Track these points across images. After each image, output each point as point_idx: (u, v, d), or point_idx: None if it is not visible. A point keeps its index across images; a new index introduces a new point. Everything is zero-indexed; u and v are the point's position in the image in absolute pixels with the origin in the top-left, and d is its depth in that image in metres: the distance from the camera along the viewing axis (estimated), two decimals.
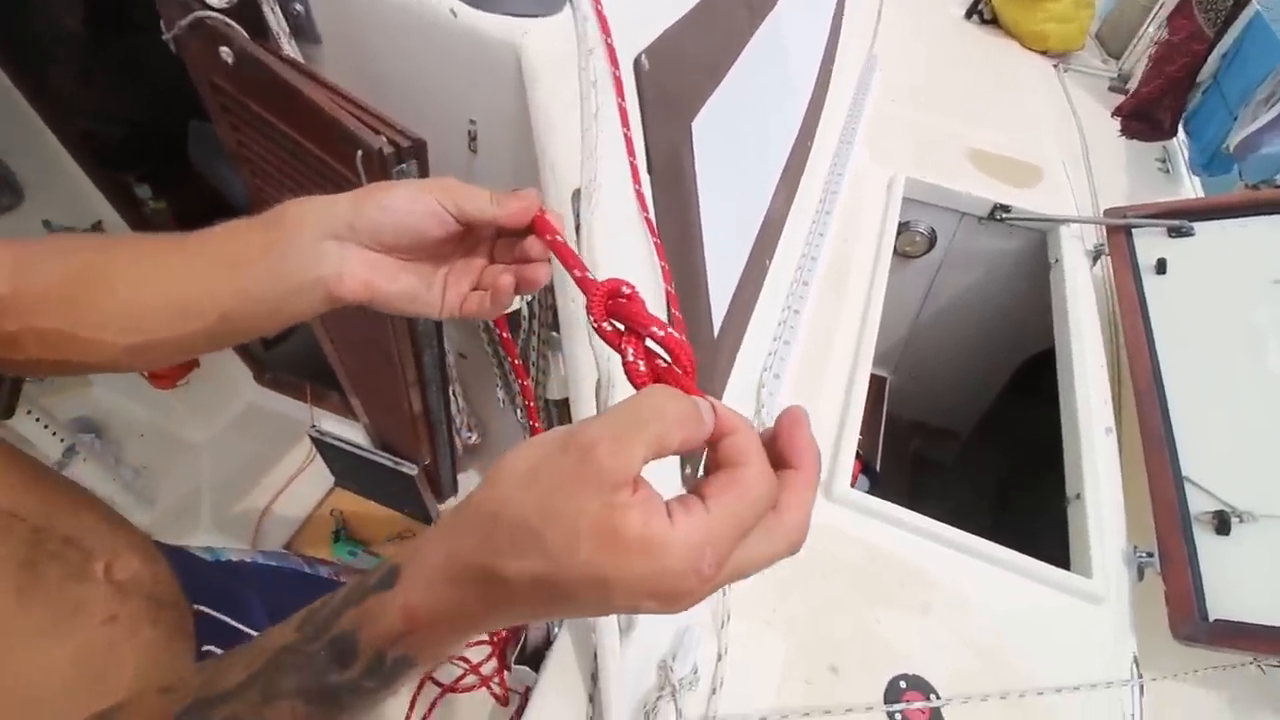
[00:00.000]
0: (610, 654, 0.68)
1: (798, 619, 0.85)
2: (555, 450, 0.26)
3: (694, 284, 0.81)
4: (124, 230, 1.40)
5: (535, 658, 0.85)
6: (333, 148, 0.57)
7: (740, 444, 0.28)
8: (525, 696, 0.78)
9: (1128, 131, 1.89)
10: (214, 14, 0.57)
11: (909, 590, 0.89)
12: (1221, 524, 0.89)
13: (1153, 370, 1.10)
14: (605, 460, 0.25)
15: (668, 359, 0.32)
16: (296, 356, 1.61)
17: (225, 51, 0.60)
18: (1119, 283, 1.25)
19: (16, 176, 1.24)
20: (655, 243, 0.65)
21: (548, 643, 0.82)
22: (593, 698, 0.75)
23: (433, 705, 1.13)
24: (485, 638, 1.13)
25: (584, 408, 0.63)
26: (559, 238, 0.40)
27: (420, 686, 1.11)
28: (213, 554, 0.76)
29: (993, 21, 2.32)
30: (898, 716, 0.77)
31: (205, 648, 0.58)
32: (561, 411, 0.85)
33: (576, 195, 0.58)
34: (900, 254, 1.62)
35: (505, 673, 1.11)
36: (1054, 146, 1.74)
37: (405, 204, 0.40)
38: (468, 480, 1.44)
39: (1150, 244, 1.29)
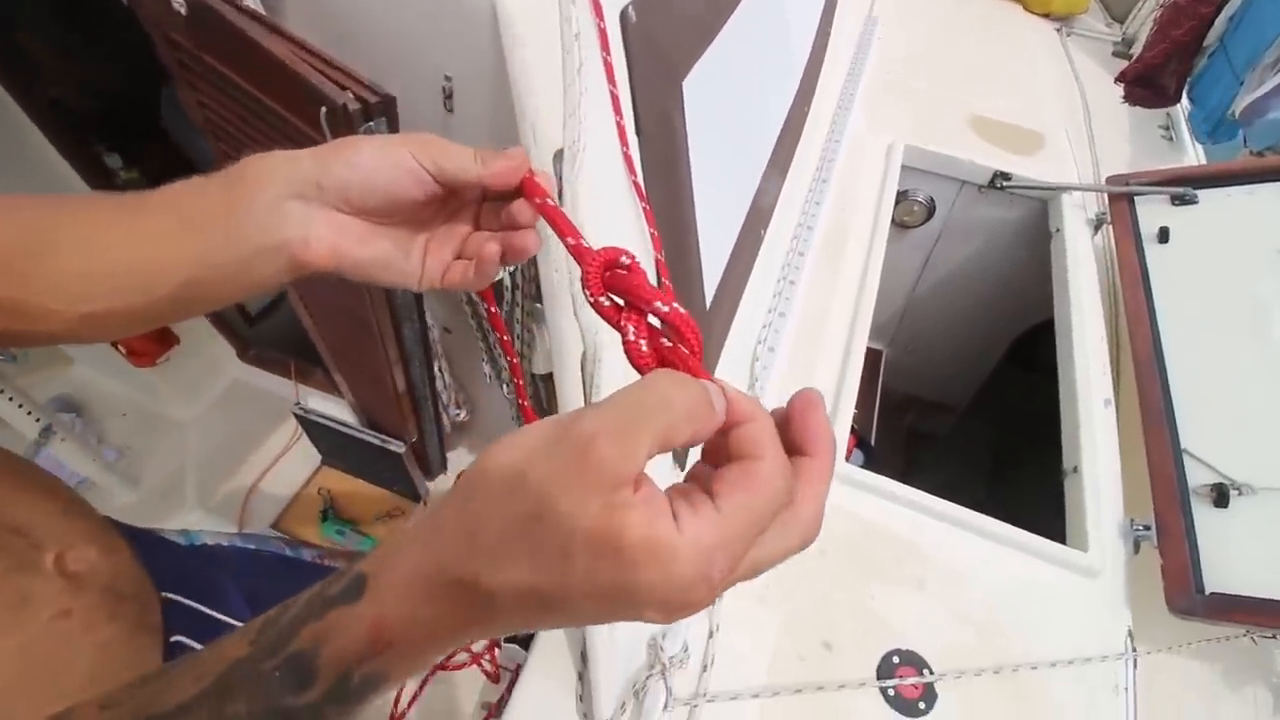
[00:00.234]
0: (599, 632, 0.67)
1: (791, 595, 0.83)
2: (548, 445, 0.23)
3: (685, 253, 0.78)
4: None
5: (526, 636, 0.83)
6: (296, 105, 0.53)
7: (754, 434, 0.25)
8: (516, 674, 0.77)
9: (1131, 98, 1.84)
10: None
11: (903, 565, 0.87)
12: (1220, 497, 0.88)
13: (1153, 341, 1.08)
14: (605, 456, 0.22)
15: (671, 339, 0.29)
16: (280, 332, 1.57)
17: (178, 2, 0.56)
18: (1120, 252, 1.22)
19: None
20: (644, 208, 0.61)
21: None
22: (582, 676, 0.73)
23: (424, 683, 1.12)
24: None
25: (569, 383, 0.60)
26: (550, 201, 0.37)
27: None
28: (187, 538, 0.74)
29: None
30: (891, 692, 0.76)
31: (174, 639, 0.56)
32: (548, 387, 0.82)
33: (559, 157, 0.54)
34: (898, 224, 1.58)
35: (496, 650, 1.11)
36: (1056, 113, 1.70)
37: (375, 160, 0.36)
38: (457, 458, 1.42)
39: (1153, 212, 1.26)
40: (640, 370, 0.28)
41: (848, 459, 0.97)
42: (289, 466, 1.47)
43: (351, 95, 0.51)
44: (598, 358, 0.56)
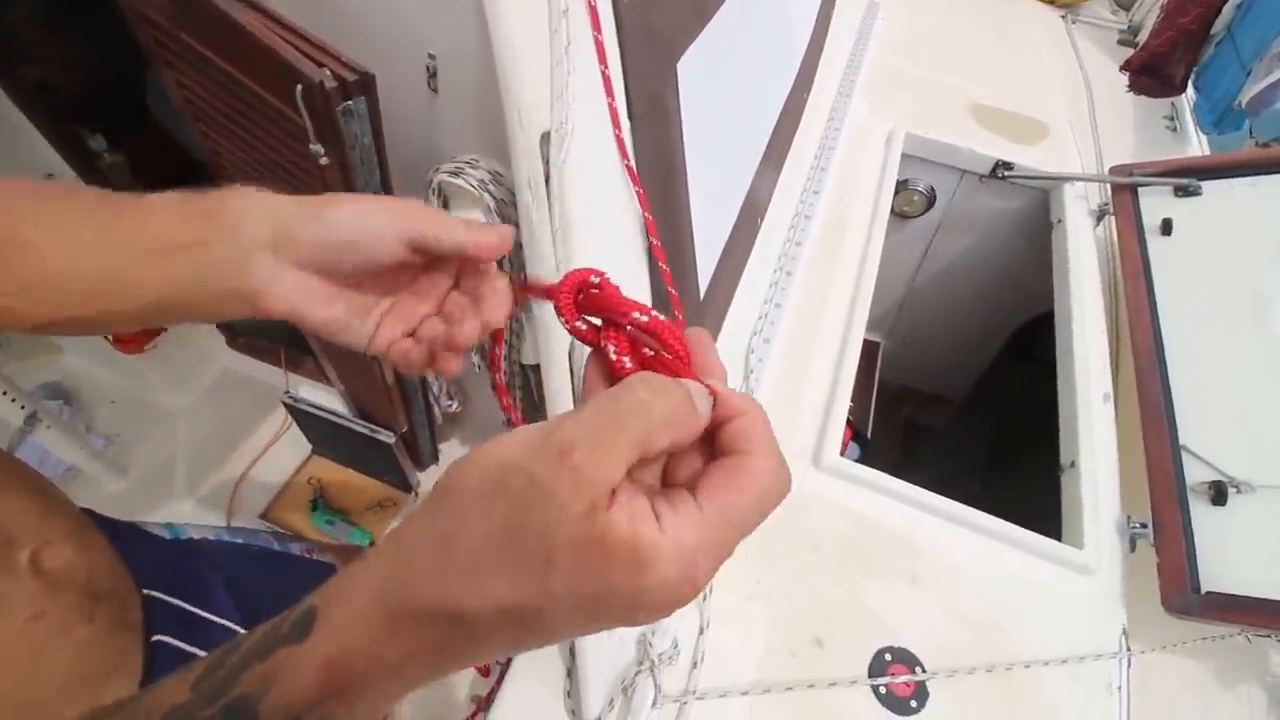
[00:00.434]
0: None
1: (782, 591, 0.82)
2: (524, 454, 0.22)
3: (679, 242, 0.76)
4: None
5: None
6: (271, 83, 0.51)
7: (744, 428, 0.24)
8: (505, 667, 0.76)
9: (1136, 87, 1.81)
10: None
11: (897, 561, 0.86)
12: (1218, 494, 0.87)
13: (1154, 335, 1.07)
14: (583, 464, 0.21)
15: (653, 347, 0.28)
16: (271, 321, 1.55)
17: None
18: (1123, 244, 1.20)
19: None
20: (638, 192, 0.59)
21: None
22: (570, 672, 0.72)
23: None
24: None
25: (556, 375, 0.58)
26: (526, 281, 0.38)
27: None
28: (171, 530, 0.72)
29: None
30: (882, 690, 0.75)
31: (156, 637, 0.54)
32: (536, 378, 0.81)
33: (545, 139, 0.52)
34: (897, 214, 1.56)
35: None
36: (1059, 102, 1.67)
37: (356, 223, 0.35)
38: (449, 449, 1.41)
39: (1156, 204, 1.24)
40: None
41: (843, 452, 0.96)
42: (279, 455, 1.45)
43: (329, 73, 0.49)
44: (584, 348, 0.54)
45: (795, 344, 1.08)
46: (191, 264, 0.35)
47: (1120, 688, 0.78)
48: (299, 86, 0.48)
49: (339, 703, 0.22)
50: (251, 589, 0.73)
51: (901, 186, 1.50)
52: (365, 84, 0.50)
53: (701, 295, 0.85)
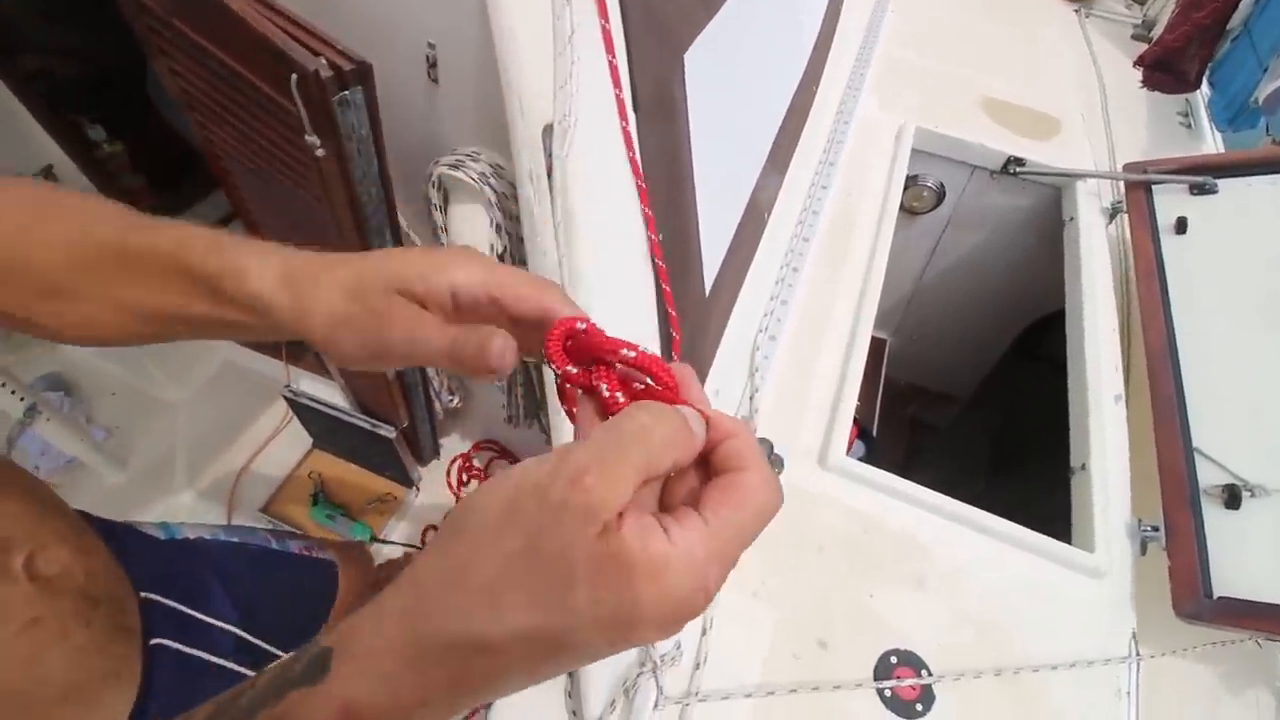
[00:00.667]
0: None
1: (786, 592, 0.81)
2: (536, 482, 0.23)
3: (684, 237, 0.75)
4: (75, 176, 1.31)
5: None
6: (266, 72, 0.49)
7: (738, 448, 0.26)
8: None
9: (1149, 83, 1.78)
10: None
11: (903, 563, 0.85)
12: (1231, 498, 0.85)
13: (1167, 335, 1.05)
14: (594, 487, 0.22)
15: (644, 381, 0.30)
16: None
17: None
18: (1136, 242, 1.18)
19: None
20: (639, 187, 0.58)
21: None
22: (571, 671, 0.71)
23: None
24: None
25: None
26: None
27: None
28: (167, 530, 0.71)
29: None
30: (888, 693, 0.74)
31: (155, 641, 0.53)
32: (538, 375, 0.79)
33: (548, 132, 0.51)
34: (906, 210, 1.54)
35: None
36: (1072, 97, 1.64)
37: (404, 348, 0.31)
38: (450, 444, 1.40)
39: (1170, 202, 1.22)
40: None
41: (848, 451, 0.94)
42: (280, 449, 1.45)
43: (325, 62, 0.47)
44: None
45: (802, 341, 1.06)
46: (266, 328, 0.33)
47: (1129, 693, 0.77)
48: (294, 76, 0.47)
49: None
50: (250, 590, 0.72)
51: (911, 182, 1.48)
52: (362, 73, 0.48)
53: (707, 291, 0.84)
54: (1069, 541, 0.90)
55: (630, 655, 0.72)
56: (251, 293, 0.31)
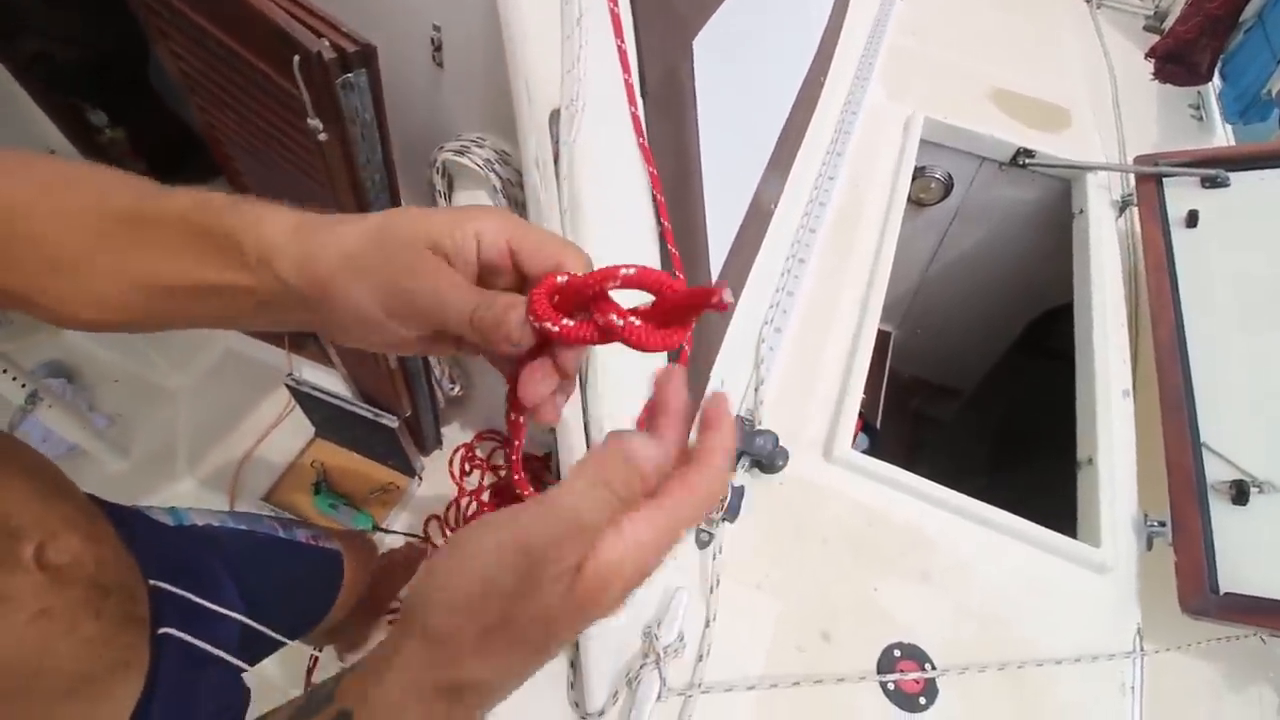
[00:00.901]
0: None
1: (790, 584, 0.81)
2: (500, 569, 0.25)
3: (691, 226, 0.74)
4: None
5: None
6: (268, 53, 0.48)
7: (713, 443, 0.28)
8: None
9: (1161, 75, 1.76)
10: None
11: (908, 556, 0.85)
12: (1239, 494, 0.85)
13: (1176, 329, 1.04)
14: (552, 560, 0.24)
15: (650, 291, 0.28)
16: None
17: None
18: (1146, 236, 1.17)
19: None
20: (651, 173, 0.57)
21: None
22: (574, 663, 0.71)
23: None
24: None
25: None
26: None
27: None
28: (175, 517, 0.71)
29: None
30: (891, 686, 0.74)
31: (163, 630, 0.52)
32: None
33: (555, 117, 0.50)
34: (913, 201, 1.52)
35: None
36: (1083, 88, 1.62)
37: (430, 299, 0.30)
38: (452, 434, 1.39)
39: (1181, 195, 1.20)
40: (645, 347, 0.27)
41: (853, 444, 0.94)
42: (282, 437, 1.44)
43: (328, 43, 0.46)
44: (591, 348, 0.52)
45: (807, 333, 1.06)
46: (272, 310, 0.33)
47: (1133, 688, 0.77)
48: (296, 57, 0.46)
49: None
50: (257, 578, 0.72)
51: (919, 173, 1.47)
52: (366, 55, 0.48)
53: (713, 281, 0.83)
54: (1074, 536, 0.89)
55: (634, 647, 0.72)
56: (264, 241, 0.30)
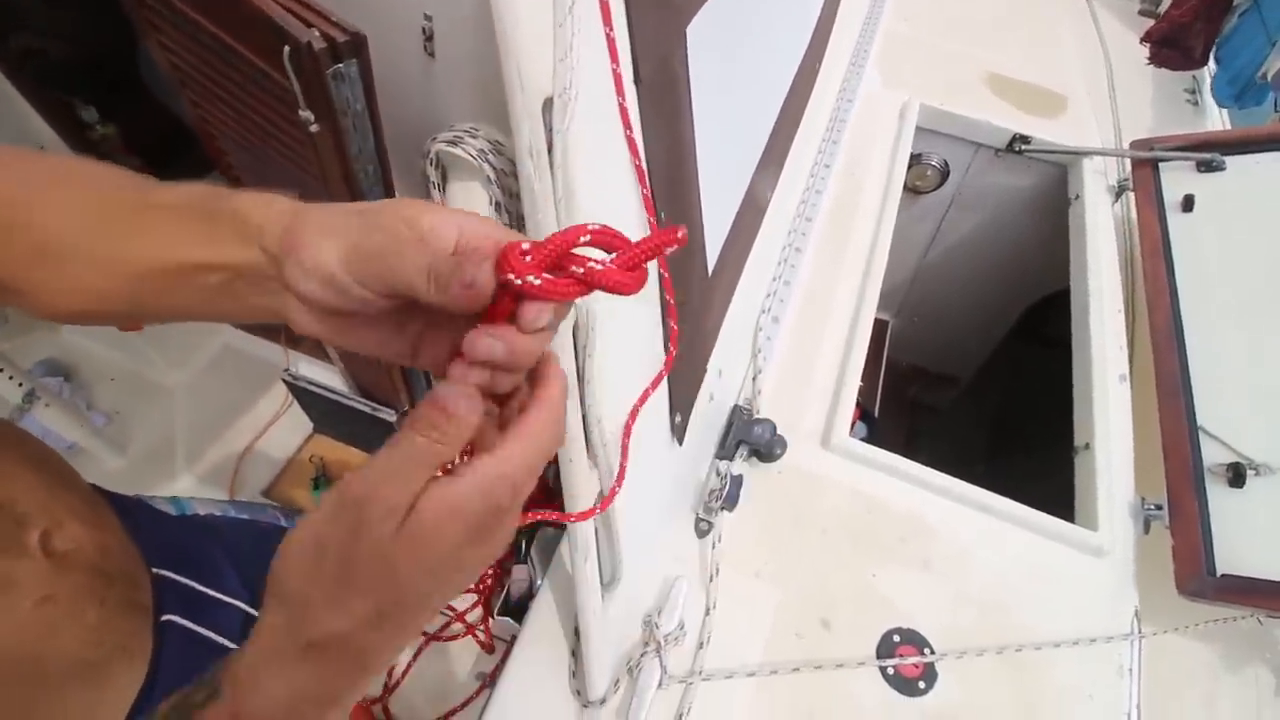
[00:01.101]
0: (592, 609, 0.64)
1: (790, 572, 0.81)
2: (330, 523, 0.27)
3: (687, 216, 0.74)
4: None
5: (520, 609, 0.82)
6: (258, 44, 0.48)
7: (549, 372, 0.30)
8: (511, 645, 0.75)
9: (1156, 59, 1.76)
10: None
11: (907, 542, 0.85)
12: (1235, 476, 0.85)
13: (1172, 313, 1.04)
14: (375, 508, 0.26)
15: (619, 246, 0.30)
16: None
17: None
18: (1142, 220, 1.17)
19: None
20: (635, 165, 0.56)
21: (531, 594, 0.79)
22: (575, 652, 0.72)
23: (418, 652, 1.12)
24: (470, 586, 1.11)
25: (563, 353, 0.56)
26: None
27: None
28: (178, 506, 0.71)
29: None
30: (890, 671, 0.75)
31: (165, 617, 0.53)
32: None
33: (548, 106, 0.50)
34: (909, 189, 1.52)
35: (490, 620, 1.10)
36: (1078, 74, 1.62)
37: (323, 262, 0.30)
38: None
39: (1177, 179, 1.20)
40: (622, 289, 0.29)
41: (851, 432, 0.94)
42: (281, 433, 1.45)
43: (318, 33, 0.46)
44: (591, 325, 0.52)
45: (805, 322, 1.06)
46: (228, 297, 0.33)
47: (1131, 670, 0.78)
48: (286, 48, 0.45)
49: None
50: (259, 567, 0.72)
51: (914, 160, 1.46)
52: (357, 45, 0.47)
53: (710, 271, 0.83)
54: (1071, 521, 0.90)
55: (635, 635, 0.72)
56: (270, 212, 0.31)
